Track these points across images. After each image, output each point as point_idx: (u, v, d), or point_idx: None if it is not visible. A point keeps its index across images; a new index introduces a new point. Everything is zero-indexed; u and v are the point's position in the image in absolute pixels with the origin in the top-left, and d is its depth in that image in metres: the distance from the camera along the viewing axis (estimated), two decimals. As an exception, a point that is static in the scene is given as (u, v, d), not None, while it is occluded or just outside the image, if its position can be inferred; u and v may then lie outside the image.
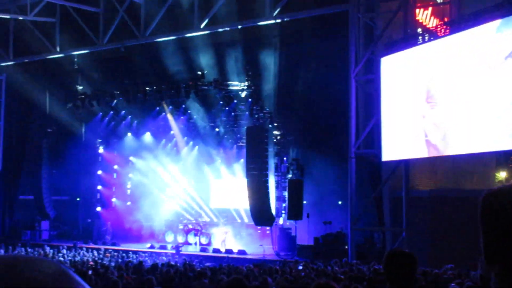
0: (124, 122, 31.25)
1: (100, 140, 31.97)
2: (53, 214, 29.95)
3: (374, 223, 22.27)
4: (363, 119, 21.26)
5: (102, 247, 25.52)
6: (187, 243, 27.42)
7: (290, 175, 24.68)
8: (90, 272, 11.59)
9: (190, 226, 28.33)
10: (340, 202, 25.24)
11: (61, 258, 19.55)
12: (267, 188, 23.86)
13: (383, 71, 19.45)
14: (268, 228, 25.90)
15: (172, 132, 31.16)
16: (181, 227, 28.74)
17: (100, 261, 18.84)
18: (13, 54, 27.71)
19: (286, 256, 22.99)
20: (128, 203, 32.29)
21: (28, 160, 31.26)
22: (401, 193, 19.50)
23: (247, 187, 24.22)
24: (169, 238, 28.40)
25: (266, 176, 23.84)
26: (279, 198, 25.28)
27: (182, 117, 30.01)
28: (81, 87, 28.84)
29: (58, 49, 25.84)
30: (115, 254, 22.48)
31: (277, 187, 25.41)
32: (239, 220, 29.22)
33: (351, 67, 20.87)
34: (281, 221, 25.27)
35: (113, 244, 27.16)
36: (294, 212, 23.69)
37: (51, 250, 22.84)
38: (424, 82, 17.85)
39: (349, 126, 20.91)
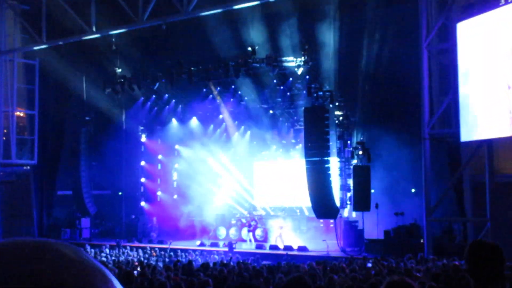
0: (167, 107, 31.69)
1: (142, 128, 32.52)
2: (93, 210, 30.59)
3: (453, 213, 21.87)
4: (438, 94, 20.84)
5: (148, 245, 25.88)
6: (241, 239, 27.62)
7: (355, 161, 24.51)
8: (135, 273, 11.78)
9: (244, 221, 28.51)
10: (413, 190, 24.87)
11: (103, 258, 19.92)
12: (329, 176, 23.68)
13: (459, 38, 18.95)
14: (331, 221, 25.79)
15: (221, 116, 31.48)
16: (234, 221, 29.00)
17: (146, 261, 19.12)
18: (46, 37, 28.16)
19: (352, 252, 22.85)
20: (175, 196, 32.76)
21: (65, 152, 32.00)
22: (484, 178, 19.04)
23: (306, 176, 24.09)
24: (221, 234, 28.69)
25: (328, 162, 23.66)
26: (343, 187, 25.10)
27: (231, 99, 30.18)
28: (120, 70, 29.14)
29: (94, 29, 26.07)
30: (162, 253, 22.79)
31: (340, 175, 25.21)
32: (298, 213, 29.16)
33: (422, 35, 20.42)
34: (346, 213, 25.14)
35: (160, 242, 27.51)
36: (361, 202, 23.49)
37: (93, 250, 23.33)
38: (509, 50, 17.31)
39: (422, 103, 20.52)
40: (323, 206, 23.98)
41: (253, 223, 27.87)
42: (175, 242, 26.92)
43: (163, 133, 32.37)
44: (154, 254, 22.67)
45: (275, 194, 30.58)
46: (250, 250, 25.20)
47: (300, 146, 29.25)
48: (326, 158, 23.60)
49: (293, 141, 30.68)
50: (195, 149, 31.44)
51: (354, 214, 24.99)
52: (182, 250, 24.01)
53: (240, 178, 31.69)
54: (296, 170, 28.12)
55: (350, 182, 24.60)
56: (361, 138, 25.15)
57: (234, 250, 24.19)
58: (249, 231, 27.63)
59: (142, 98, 30.96)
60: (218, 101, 30.46)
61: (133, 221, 31.29)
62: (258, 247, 25.64)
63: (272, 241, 26.21)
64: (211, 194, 31.01)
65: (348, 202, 24.95)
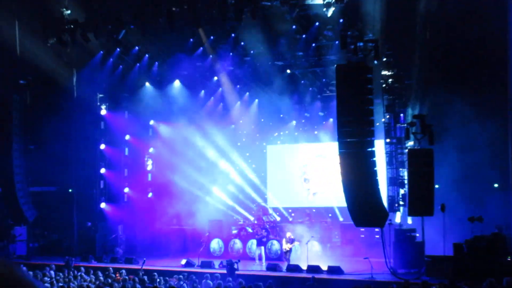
0: (138, 65, 31.35)
1: (101, 96, 32.19)
2: (32, 215, 30.32)
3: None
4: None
5: (111, 265, 25.81)
6: (245, 256, 27.69)
7: (410, 142, 24.34)
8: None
9: (250, 230, 28.56)
10: (496, 185, 24.72)
11: (47, 285, 19.86)
12: (373, 164, 23.43)
13: None
14: (377, 230, 25.72)
15: (215, 78, 31.33)
16: (235, 231, 29.04)
17: (107, 288, 19.11)
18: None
19: (408, 275, 22.78)
20: (150, 194, 32.79)
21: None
22: None
23: (340, 165, 23.92)
24: (217, 249, 28.78)
25: (372, 144, 23.44)
26: (394, 181, 24.98)
27: (231, 54, 29.94)
28: (68, 12, 28.97)
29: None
30: (132, 276, 22.74)
31: (389, 163, 25.12)
32: (329, 218, 29.09)
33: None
34: (398, 218, 25.00)
35: (128, 261, 27.44)
36: (420, 203, 23.23)
37: (31, 273, 23.26)
38: None
39: (508, 58, 20.33)
40: (364, 209, 23.78)
41: (262, 232, 27.74)
42: (150, 260, 26.85)
43: (132, 103, 32.17)
44: (120, 278, 22.65)
45: (296, 191, 30.51)
46: (260, 272, 25.21)
47: (331, 122, 29.07)
48: (369, 139, 23.35)
49: (320, 114, 30.53)
50: (178, 126, 31.39)
51: (410, 220, 24.80)
52: (161, 273, 23.97)
53: (245, 168, 31.63)
54: (325, 157, 28.00)
55: (404, 173, 24.43)
56: (420, 110, 24.89)
57: (237, 272, 24.16)
58: (258, 244, 27.51)
59: (102, 52, 30.60)
60: (211, 56, 30.19)
61: (90, 230, 31.08)
62: (270, 267, 25.53)
63: (291, 258, 26.11)
64: (203, 192, 31.00)
65: (402, 203, 24.79)
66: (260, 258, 27.18)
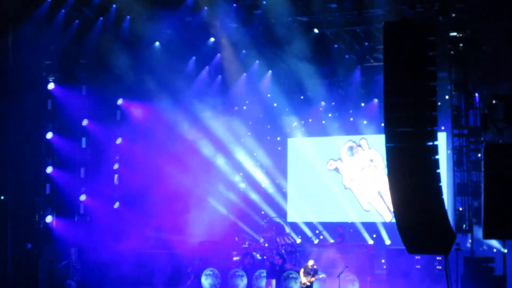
0: (102, 19, 30.96)
1: (49, 63, 31.85)
2: None
3: None
4: None
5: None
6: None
7: (489, 134, 24.03)
8: None
9: (258, 256, 28.31)
10: None
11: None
12: (435, 165, 23.00)
13: None
14: (439, 257, 25.56)
15: (212, 39, 31.05)
16: (237, 257, 28.82)
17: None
18: None
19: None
20: (117, 204, 32.58)
21: None
22: None
23: (387, 165, 23.50)
24: (211, 283, 28.53)
25: (434, 136, 22.94)
26: (464, 189, 24.64)
27: (234, 5, 29.57)
28: None
29: None
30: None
31: (458, 164, 24.82)
32: (371, 241, 29.02)
33: None
34: (468, 242, 24.72)
35: (84, 300, 27.36)
36: (500, 220, 22.85)
37: None
38: None
39: None
40: (422, 228, 23.28)
41: (277, 260, 27.45)
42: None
43: (94, 74, 31.86)
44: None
45: (324, 201, 30.47)
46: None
47: (375, 103, 28.87)
48: (430, 129, 22.84)
49: (361, 91, 30.31)
50: (158, 108, 31.23)
51: (486, 244, 24.55)
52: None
53: (254, 169, 31.68)
54: (367, 154, 27.93)
55: (480, 178, 24.10)
56: (503, 88, 24.63)
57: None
58: (269, 276, 27.28)
59: (49, 0, 30.38)
60: (206, 8, 29.85)
61: (30, 255, 30.77)
62: (289, 310, 25.53)
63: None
64: (193, 202, 30.90)
65: (475, 221, 24.45)
66: (273, 298, 27.00)
